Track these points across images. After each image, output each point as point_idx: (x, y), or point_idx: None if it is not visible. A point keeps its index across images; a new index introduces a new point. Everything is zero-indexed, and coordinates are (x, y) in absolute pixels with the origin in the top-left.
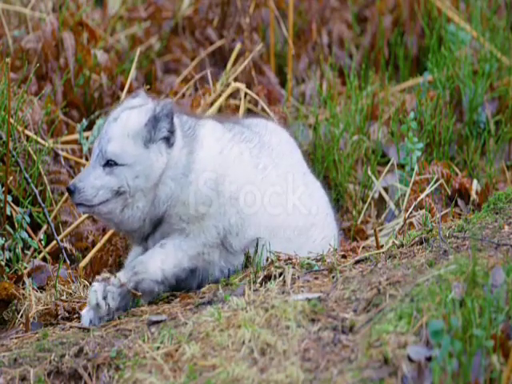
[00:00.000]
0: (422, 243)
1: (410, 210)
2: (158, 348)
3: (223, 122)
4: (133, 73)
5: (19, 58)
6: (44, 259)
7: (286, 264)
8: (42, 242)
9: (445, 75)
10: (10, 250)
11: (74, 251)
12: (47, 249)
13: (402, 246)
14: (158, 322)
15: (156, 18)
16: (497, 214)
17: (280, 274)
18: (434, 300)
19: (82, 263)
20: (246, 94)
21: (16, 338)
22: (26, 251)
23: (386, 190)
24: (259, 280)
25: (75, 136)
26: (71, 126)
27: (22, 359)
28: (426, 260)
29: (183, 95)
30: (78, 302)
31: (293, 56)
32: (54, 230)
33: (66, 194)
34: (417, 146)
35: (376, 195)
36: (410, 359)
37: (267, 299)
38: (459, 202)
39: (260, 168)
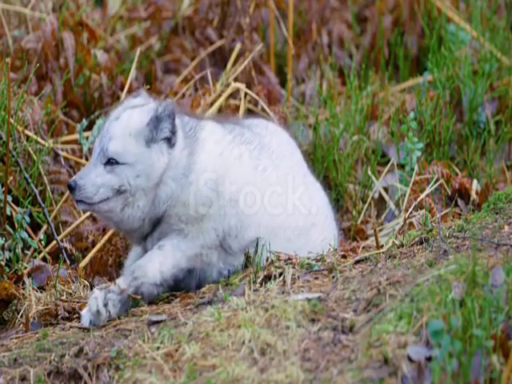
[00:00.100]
0: (422, 243)
1: (410, 210)
2: (158, 348)
3: (224, 122)
4: (133, 73)
5: (19, 58)
6: (44, 259)
7: (286, 264)
8: (42, 242)
9: (445, 75)
10: (10, 250)
11: (74, 251)
12: (47, 249)
13: (402, 245)
14: (158, 322)
15: (156, 17)
16: (497, 213)
17: (280, 274)
18: (434, 300)
19: (82, 263)
20: (245, 94)
21: (16, 338)
22: (26, 251)
23: (386, 189)
24: (259, 280)
25: (75, 136)
26: (71, 125)
27: (21, 359)
28: (426, 260)
29: (183, 95)
30: (77, 302)
31: (293, 56)
32: (53, 229)
33: (66, 194)
34: (417, 146)
35: (376, 195)
36: (410, 359)
37: (267, 299)
38: (459, 201)
39: (260, 170)
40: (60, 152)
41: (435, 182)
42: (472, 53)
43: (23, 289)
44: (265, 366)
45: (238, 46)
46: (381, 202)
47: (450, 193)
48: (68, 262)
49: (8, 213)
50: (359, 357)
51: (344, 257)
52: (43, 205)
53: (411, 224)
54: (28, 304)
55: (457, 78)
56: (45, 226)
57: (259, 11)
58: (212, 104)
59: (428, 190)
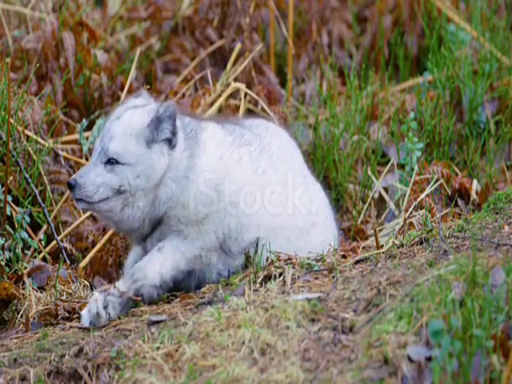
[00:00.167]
0: (422, 243)
1: (410, 210)
2: (158, 348)
3: (224, 123)
4: (133, 73)
5: (19, 57)
6: (44, 259)
7: (286, 264)
8: (42, 242)
9: (445, 75)
10: (10, 250)
11: (74, 251)
12: (47, 249)
13: (402, 245)
14: (157, 322)
15: (156, 17)
16: (497, 214)
17: (280, 274)
18: (434, 300)
19: (82, 263)
20: (245, 94)
21: (16, 338)
22: (26, 251)
23: (386, 190)
24: (259, 280)
25: (75, 136)
26: (71, 125)
27: (21, 359)
28: (426, 260)
29: (183, 95)
30: (78, 302)
31: (293, 56)
32: (53, 229)
33: (66, 194)
34: (417, 146)
35: (376, 195)
36: (410, 359)
37: (267, 299)
38: (459, 201)
39: (260, 172)
40: (60, 152)
41: (435, 182)
42: (472, 53)
43: (23, 289)
44: (265, 366)
45: (237, 46)
46: (381, 202)
47: (449, 193)
48: (68, 261)
49: (8, 213)
50: (359, 357)
51: (344, 257)
52: (43, 205)
53: (411, 224)
54: (28, 304)
55: (457, 77)
56: (45, 226)
57: (259, 11)
58: (212, 104)
59: (428, 190)
